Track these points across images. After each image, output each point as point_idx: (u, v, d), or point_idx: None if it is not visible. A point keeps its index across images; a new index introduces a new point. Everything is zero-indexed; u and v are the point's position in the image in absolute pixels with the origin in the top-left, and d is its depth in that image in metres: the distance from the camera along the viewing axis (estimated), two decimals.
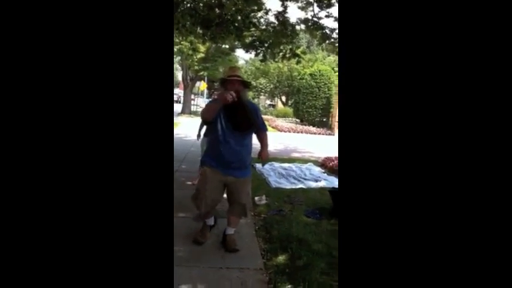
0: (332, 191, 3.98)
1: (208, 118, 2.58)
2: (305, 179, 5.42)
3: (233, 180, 2.61)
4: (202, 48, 16.43)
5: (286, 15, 5.32)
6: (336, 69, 22.90)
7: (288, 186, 4.93)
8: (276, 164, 6.31)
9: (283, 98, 27.85)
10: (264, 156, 2.75)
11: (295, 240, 2.89)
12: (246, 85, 2.71)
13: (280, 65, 22.44)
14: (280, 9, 5.20)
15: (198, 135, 4.66)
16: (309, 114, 17.96)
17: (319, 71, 18.00)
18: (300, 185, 5.03)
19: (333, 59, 23.55)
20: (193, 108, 22.16)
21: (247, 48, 5.89)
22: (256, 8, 5.00)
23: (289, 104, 25.67)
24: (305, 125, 17.47)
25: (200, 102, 25.64)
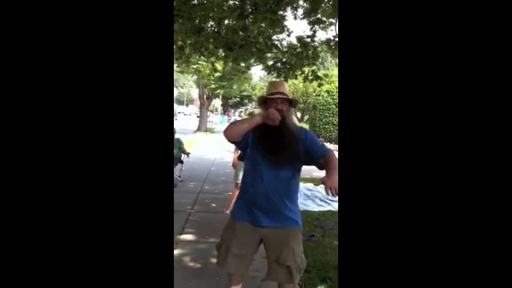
0: None
1: (232, 136, 1.87)
2: (332, 200, 5.30)
3: (267, 232, 1.83)
4: (219, 67, 16.75)
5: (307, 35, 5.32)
6: None
7: (316, 208, 4.84)
8: (300, 185, 6.22)
9: (298, 115, 27.89)
10: (331, 182, 1.56)
11: (332, 268, 2.79)
12: (292, 104, 1.98)
13: (295, 81, 22.57)
14: (305, 31, 5.21)
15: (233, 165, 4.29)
16: (325, 130, 17.96)
17: (336, 87, 18.03)
18: (328, 207, 4.93)
19: None
20: (209, 125, 22.76)
21: (269, 69, 5.89)
22: (278, 30, 5.02)
23: (305, 120, 25.66)
24: (322, 141, 17.39)
25: (215, 119, 26.36)
